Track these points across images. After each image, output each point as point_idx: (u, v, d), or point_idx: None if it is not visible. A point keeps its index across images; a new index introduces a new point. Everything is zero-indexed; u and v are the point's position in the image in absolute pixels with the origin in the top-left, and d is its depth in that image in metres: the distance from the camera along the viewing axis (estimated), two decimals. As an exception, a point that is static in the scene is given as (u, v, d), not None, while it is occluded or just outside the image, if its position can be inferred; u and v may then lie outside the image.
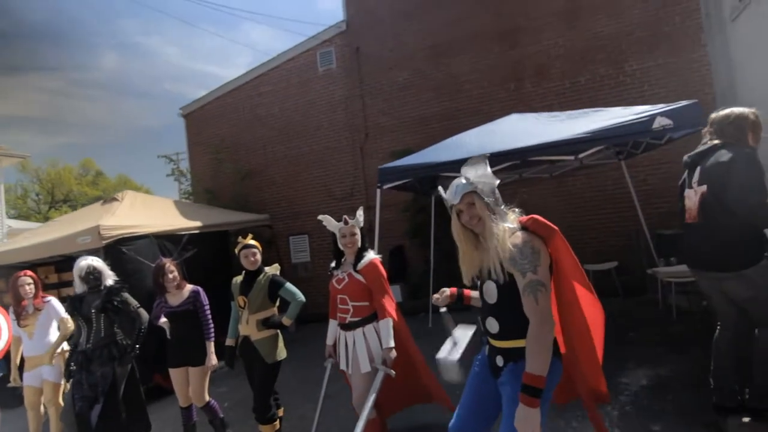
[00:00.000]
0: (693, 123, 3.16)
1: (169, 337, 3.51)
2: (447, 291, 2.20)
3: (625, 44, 6.86)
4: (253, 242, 3.33)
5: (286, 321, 3.23)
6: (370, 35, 8.41)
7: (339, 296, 2.94)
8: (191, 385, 3.44)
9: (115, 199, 6.36)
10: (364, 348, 2.83)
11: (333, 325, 3.07)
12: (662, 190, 6.58)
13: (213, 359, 3.46)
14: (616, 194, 6.82)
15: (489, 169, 1.83)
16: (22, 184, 28.91)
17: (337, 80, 8.71)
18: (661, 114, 3.17)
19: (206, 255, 6.19)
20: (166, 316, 3.51)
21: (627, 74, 6.82)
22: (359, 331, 2.86)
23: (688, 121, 3.15)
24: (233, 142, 9.38)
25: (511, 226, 1.74)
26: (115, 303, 3.62)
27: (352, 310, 2.88)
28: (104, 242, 4.93)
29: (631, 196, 5.92)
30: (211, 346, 3.47)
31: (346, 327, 2.91)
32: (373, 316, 2.86)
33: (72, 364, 3.50)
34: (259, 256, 3.32)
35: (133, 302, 3.66)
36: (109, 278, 3.74)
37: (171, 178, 9.00)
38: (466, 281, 1.91)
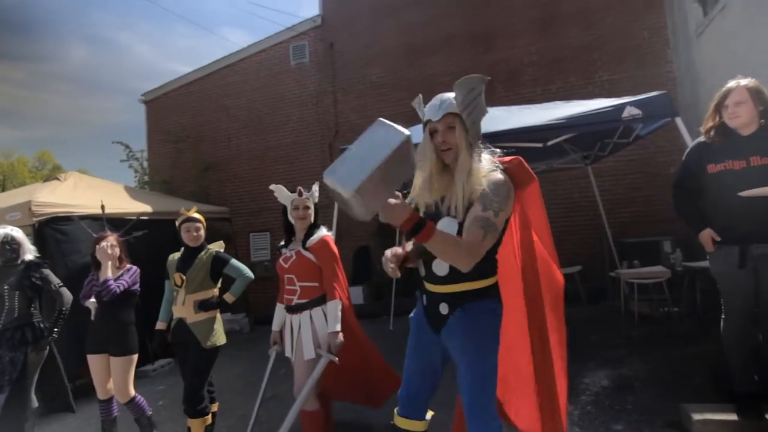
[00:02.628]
0: (662, 113, 3.11)
1: (92, 318, 3.11)
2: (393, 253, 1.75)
3: (596, 55, 6.99)
4: (196, 215, 3.02)
5: (229, 297, 2.93)
6: (346, 31, 8.27)
7: (286, 276, 2.67)
8: (113, 376, 3.01)
9: (57, 179, 5.84)
10: (309, 332, 2.57)
11: (280, 310, 2.79)
12: (626, 201, 6.66)
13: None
14: (581, 202, 6.85)
15: (483, 96, 1.59)
16: (-30, 174, 27.06)
17: (310, 75, 8.50)
18: (631, 104, 3.11)
19: (154, 244, 5.74)
20: (95, 295, 3.12)
21: (597, 84, 6.93)
22: (306, 314, 2.60)
23: (658, 111, 3.11)
24: (196, 132, 8.96)
25: (487, 166, 1.58)
26: (34, 279, 3.20)
27: (299, 291, 2.62)
28: (35, 219, 4.45)
29: (595, 205, 5.95)
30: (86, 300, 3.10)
31: (292, 309, 2.64)
32: (322, 298, 2.61)
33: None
34: (202, 232, 3.01)
35: (55, 280, 3.25)
36: (29, 252, 3.33)
37: (126, 167, 8.42)
38: (422, 208, 1.69)
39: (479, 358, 1.59)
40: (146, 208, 5.91)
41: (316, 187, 2.78)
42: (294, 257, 2.65)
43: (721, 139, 2.40)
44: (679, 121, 3.07)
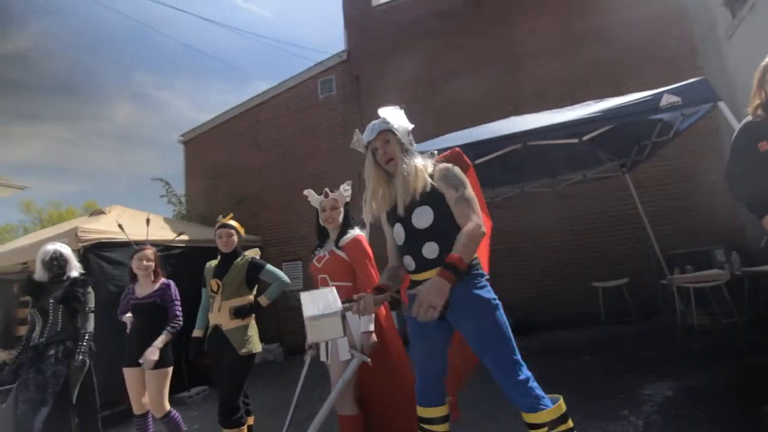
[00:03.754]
0: (702, 99, 2.99)
1: (128, 331, 3.12)
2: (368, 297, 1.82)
3: (621, 69, 6.91)
4: (231, 222, 3.06)
5: (264, 301, 2.90)
6: (370, 63, 8.57)
7: (320, 276, 2.62)
8: (148, 390, 2.98)
9: (102, 212, 6.14)
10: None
11: None
12: (668, 211, 6.33)
13: (153, 355, 2.87)
14: (621, 215, 6.55)
15: (403, 115, 1.93)
16: (24, 225, 28.84)
17: (337, 107, 8.77)
18: (669, 92, 3.01)
19: (193, 270, 5.84)
20: (131, 309, 3.16)
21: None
22: None
23: (697, 97, 2.98)
24: (230, 167, 9.29)
25: (427, 163, 1.88)
26: (79, 294, 3.28)
27: None
28: (81, 245, 4.64)
29: (635, 217, 5.67)
30: (161, 341, 2.95)
31: (326, 311, 2.57)
32: None
33: (19, 360, 3.12)
34: (235, 238, 3.03)
35: (91, 303, 3.31)
36: (75, 270, 3.43)
37: (165, 203, 8.78)
38: (367, 217, 2.01)
39: (488, 325, 1.71)
40: (184, 236, 6.07)
41: (344, 186, 2.77)
42: (327, 256, 2.61)
43: None
44: (723, 105, 2.93)
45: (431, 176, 1.83)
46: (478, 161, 3.39)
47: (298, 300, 2.51)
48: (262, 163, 9.13)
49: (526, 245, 6.86)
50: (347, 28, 8.96)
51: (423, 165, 1.85)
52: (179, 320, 3.13)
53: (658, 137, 4.08)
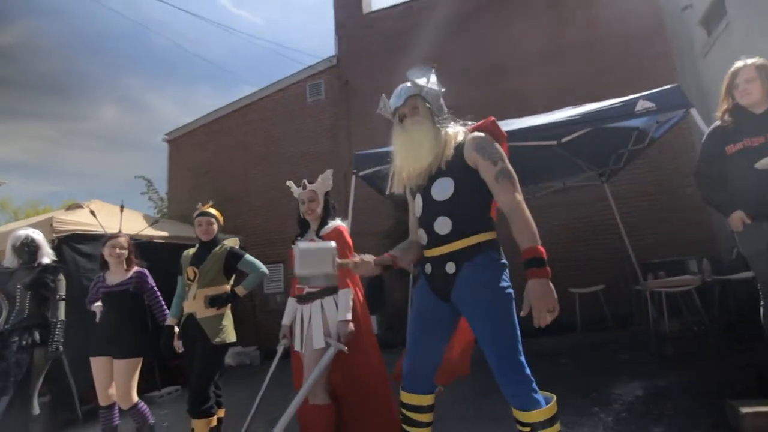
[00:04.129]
0: (675, 105, 3.10)
1: (97, 320, 3.04)
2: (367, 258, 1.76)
3: (602, 82, 7.10)
4: (211, 210, 3.03)
5: (241, 291, 2.87)
6: (360, 69, 8.66)
7: None
8: (116, 380, 2.89)
9: (80, 206, 6.00)
10: (320, 321, 2.46)
11: (291, 303, 2.70)
12: (646, 222, 6.48)
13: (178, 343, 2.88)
14: (601, 226, 6.69)
15: (435, 78, 1.80)
16: (-2, 223, 28.01)
17: (325, 110, 8.82)
18: (643, 98, 3.11)
19: (170, 266, 5.75)
20: (101, 298, 3.07)
21: (606, 110, 6.99)
22: (317, 303, 2.50)
23: (671, 103, 3.09)
24: (215, 167, 9.23)
25: (458, 131, 1.75)
26: (48, 281, 3.20)
27: None
28: (55, 235, 4.53)
29: (615, 227, 5.79)
30: (170, 330, 2.93)
31: (303, 299, 2.55)
32: (334, 288, 2.51)
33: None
34: (215, 227, 3.01)
35: (62, 291, 3.24)
36: (47, 256, 3.36)
37: (145, 200, 8.67)
38: (398, 189, 1.85)
39: (495, 311, 1.57)
40: (163, 233, 5.98)
41: (324, 176, 2.77)
42: (307, 246, 2.60)
43: (736, 119, 2.38)
44: (694, 112, 3.04)
45: (461, 145, 1.68)
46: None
47: (278, 303, 2.52)
48: (247, 164, 9.09)
49: (506, 252, 6.93)
50: (338, 35, 9.07)
51: (454, 132, 1.73)
52: (164, 308, 3.09)
53: (634, 145, 4.19)
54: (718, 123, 2.48)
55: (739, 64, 2.40)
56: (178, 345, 2.85)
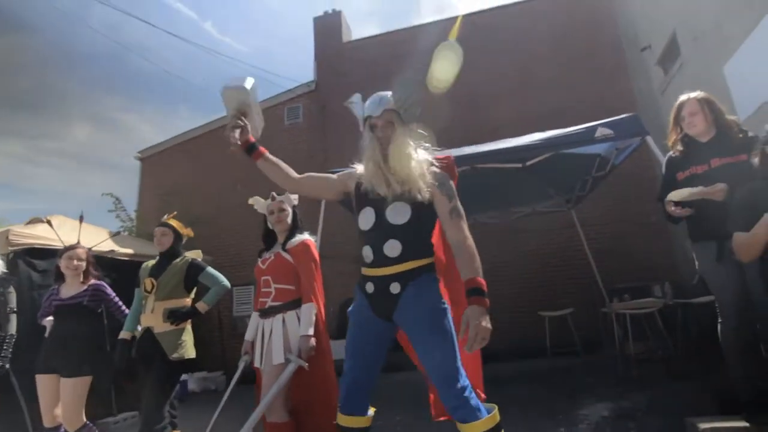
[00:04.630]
0: (632, 133, 3.26)
1: (46, 335, 2.88)
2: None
3: (571, 114, 7.42)
4: (169, 221, 2.97)
5: (202, 307, 2.76)
6: (338, 95, 8.79)
7: (262, 278, 2.57)
8: (63, 400, 2.72)
9: (41, 220, 5.76)
10: (280, 336, 2.39)
11: (254, 318, 2.64)
12: (612, 248, 6.67)
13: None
14: (568, 252, 6.85)
15: (418, 96, 1.78)
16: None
17: (302, 134, 8.88)
18: (602, 125, 3.27)
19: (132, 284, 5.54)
20: (53, 311, 2.91)
21: (573, 140, 7.29)
22: (278, 317, 2.45)
23: (628, 131, 3.26)
24: (187, 187, 9.07)
25: (425, 159, 1.77)
26: (-5, 294, 3.04)
27: (273, 293, 2.49)
28: (11, 249, 4.31)
29: (583, 254, 5.94)
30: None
31: (265, 313, 2.50)
32: (297, 302, 2.47)
33: None
34: (170, 238, 2.93)
35: (12, 302, 3.09)
36: (-3, 269, 3.19)
37: (113, 218, 8.40)
38: (359, 190, 1.85)
39: (435, 324, 1.64)
40: (128, 251, 5.79)
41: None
42: (272, 258, 2.57)
43: (685, 149, 2.54)
44: (650, 140, 3.21)
45: (423, 174, 1.72)
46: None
47: (247, 326, 2.48)
48: (220, 185, 8.98)
49: (488, 272, 7.00)
50: (317, 61, 9.26)
51: (420, 160, 1.74)
52: (124, 311, 2.96)
53: (597, 172, 4.37)
54: (671, 153, 2.64)
55: (683, 98, 2.56)
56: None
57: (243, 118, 1.91)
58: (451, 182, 1.77)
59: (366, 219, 1.77)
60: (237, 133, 1.86)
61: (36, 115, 46.01)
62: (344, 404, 1.75)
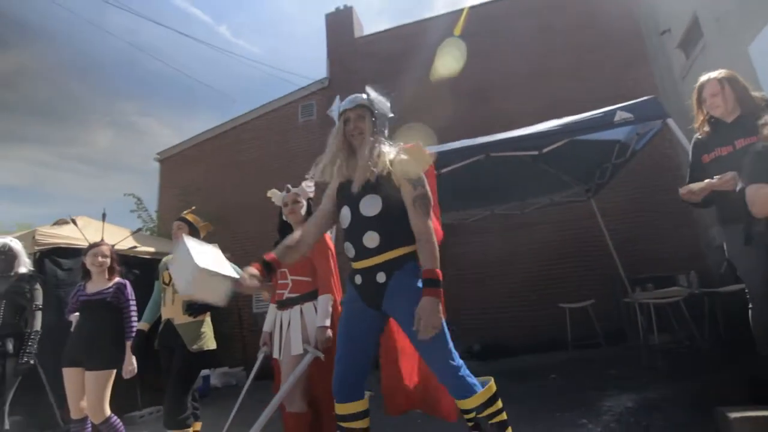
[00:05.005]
0: (653, 116, 3.17)
1: (72, 330, 2.95)
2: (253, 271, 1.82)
3: (587, 104, 7.26)
4: (187, 216, 3.02)
5: None
6: (351, 91, 8.65)
7: (279, 270, 2.57)
8: (87, 392, 2.78)
9: (66, 222, 5.94)
10: (299, 327, 2.40)
11: (272, 310, 2.67)
12: (634, 238, 6.50)
13: (132, 363, 2.90)
14: (590, 242, 6.69)
15: (389, 104, 1.95)
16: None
17: (316, 131, 8.90)
18: (621, 109, 3.18)
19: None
20: (79, 306, 2.99)
21: (592, 129, 7.12)
22: (296, 309, 2.46)
23: (648, 113, 3.16)
24: (206, 186, 9.22)
25: (391, 150, 1.84)
26: (25, 290, 3.14)
27: (290, 285, 2.51)
28: (37, 248, 4.46)
29: (604, 245, 5.80)
30: (129, 348, 2.94)
31: (282, 305, 2.51)
32: (314, 293, 2.48)
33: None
34: (186, 232, 2.96)
35: (39, 299, 3.17)
36: (24, 266, 3.31)
37: (134, 217, 8.59)
38: (320, 177, 1.94)
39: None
40: (150, 249, 5.92)
41: (306, 183, 2.79)
42: (288, 250, 2.58)
43: (710, 131, 2.45)
44: (671, 122, 3.11)
45: (390, 163, 1.80)
46: (442, 171, 3.47)
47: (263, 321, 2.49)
48: (238, 183, 9.09)
49: (497, 269, 6.91)
50: (330, 58, 9.26)
51: (387, 150, 1.83)
52: (133, 324, 3.02)
53: (617, 159, 4.26)
54: (697, 135, 2.55)
55: (703, 78, 2.48)
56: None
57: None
58: (418, 167, 1.80)
59: (344, 217, 1.85)
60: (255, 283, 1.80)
61: (58, 123, 47.40)
62: (338, 392, 1.79)
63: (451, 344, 1.67)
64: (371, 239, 1.75)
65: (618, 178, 5.02)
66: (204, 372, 6.34)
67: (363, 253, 1.77)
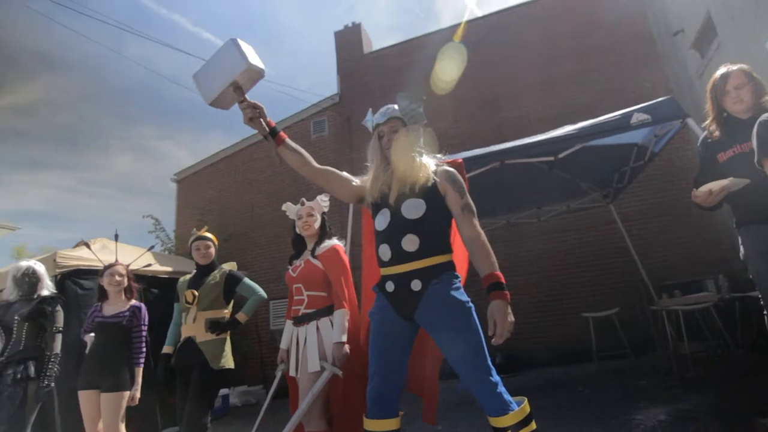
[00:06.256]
0: (671, 116, 3.09)
1: (87, 351, 2.96)
2: None
3: (599, 109, 7.16)
4: (207, 234, 3.02)
5: (242, 317, 2.79)
6: (361, 106, 8.87)
7: (294, 286, 2.56)
8: (103, 414, 2.77)
9: (86, 244, 6.05)
10: (315, 344, 2.36)
11: (288, 327, 2.63)
12: (657, 244, 6.33)
13: (138, 390, 2.90)
14: (609, 249, 6.54)
15: (422, 109, 1.87)
16: (12, 270, 28.29)
17: (329, 147, 8.98)
18: (638, 110, 3.11)
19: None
20: (94, 328, 3.00)
21: (606, 134, 7.02)
22: (312, 324, 2.42)
23: (666, 114, 3.08)
24: (221, 205, 9.35)
25: (431, 162, 1.83)
26: (47, 311, 3.17)
27: (306, 301, 2.47)
28: (58, 271, 4.53)
29: (624, 251, 5.65)
30: (139, 374, 2.96)
31: (298, 320, 2.48)
32: (330, 308, 2.45)
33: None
34: (213, 250, 2.98)
35: (59, 322, 3.20)
36: (47, 289, 3.34)
37: (153, 238, 8.71)
38: (369, 199, 1.90)
39: (463, 323, 1.63)
40: (168, 268, 5.97)
41: (321, 197, 2.78)
42: (302, 265, 2.56)
43: (724, 128, 2.33)
44: (691, 122, 3.02)
45: (434, 172, 1.79)
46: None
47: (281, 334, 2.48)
48: (253, 201, 9.19)
49: (517, 280, 6.78)
50: (340, 74, 9.38)
51: (427, 161, 1.81)
52: (142, 348, 3.04)
53: (635, 162, 4.16)
54: (706, 133, 2.44)
55: (723, 70, 2.34)
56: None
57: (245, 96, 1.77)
58: (460, 179, 1.80)
59: (382, 219, 1.80)
60: (259, 118, 1.76)
61: (78, 149, 48.95)
62: (371, 408, 1.71)
63: (489, 360, 1.61)
64: (411, 242, 1.69)
65: (637, 182, 4.91)
66: (223, 391, 6.33)
67: (400, 256, 1.70)
